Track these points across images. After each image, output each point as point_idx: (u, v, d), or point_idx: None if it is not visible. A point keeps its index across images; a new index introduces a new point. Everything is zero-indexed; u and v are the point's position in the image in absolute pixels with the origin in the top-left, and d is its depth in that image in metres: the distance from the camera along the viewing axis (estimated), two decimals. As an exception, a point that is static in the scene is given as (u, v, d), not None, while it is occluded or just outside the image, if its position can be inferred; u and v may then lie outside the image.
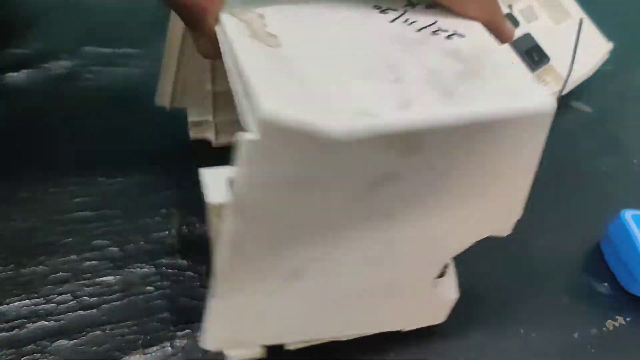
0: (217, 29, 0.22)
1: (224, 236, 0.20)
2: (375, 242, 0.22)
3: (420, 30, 0.23)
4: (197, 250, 0.32)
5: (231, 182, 0.19)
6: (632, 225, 0.33)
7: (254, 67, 0.19)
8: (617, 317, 0.32)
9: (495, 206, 0.23)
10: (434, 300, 0.27)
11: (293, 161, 0.18)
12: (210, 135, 0.37)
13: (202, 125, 0.37)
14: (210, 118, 0.37)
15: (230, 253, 0.20)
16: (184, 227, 0.33)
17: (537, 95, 0.20)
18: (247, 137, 0.17)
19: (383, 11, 0.24)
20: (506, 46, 0.23)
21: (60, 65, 0.43)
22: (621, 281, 0.33)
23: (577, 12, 0.47)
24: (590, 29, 0.47)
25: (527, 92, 0.20)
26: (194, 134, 0.37)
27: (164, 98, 0.35)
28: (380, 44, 0.22)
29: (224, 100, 0.35)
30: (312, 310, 0.24)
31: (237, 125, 0.37)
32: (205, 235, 0.33)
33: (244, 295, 0.22)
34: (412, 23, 0.23)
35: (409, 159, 0.19)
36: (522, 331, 0.30)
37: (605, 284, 0.33)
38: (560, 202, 0.28)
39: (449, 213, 0.22)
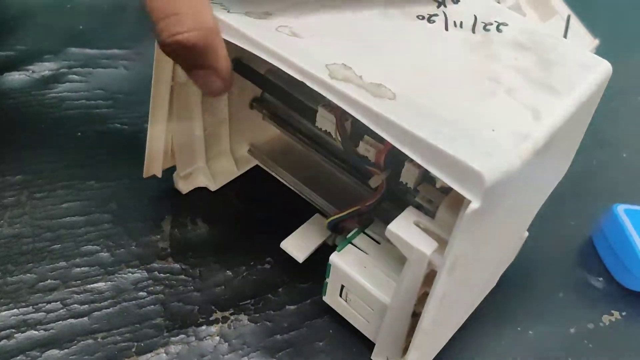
0: (326, 92, 0.21)
1: (436, 293, 0.21)
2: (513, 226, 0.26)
3: (474, 31, 0.24)
4: (189, 254, 0.31)
5: (420, 223, 0.22)
6: (625, 220, 0.33)
7: (427, 134, 0.19)
8: (612, 311, 0.32)
9: (566, 160, 0.27)
10: (518, 245, 0.31)
11: (498, 207, 0.20)
12: (205, 181, 0.35)
13: (191, 175, 0.34)
14: (202, 164, 0.34)
15: (439, 305, 0.22)
16: (176, 230, 0.33)
17: (600, 64, 0.23)
18: (472, 207, 0.19)
19: (429, 20, 0.24)
20: (535, 22, 0.26)
21: (45, 67, 0.42)
22: (615, 275, 0.33)
23: (564, 9, 0.47)
24: (576, 26, 0.47)
25: (592, 63, 0.23)
26: (186, 186, 0.34)
27: (155, 167, 0.32)
28: (462, 58, 0.23)
29: (212, 140, 0.34)
30: (465, 305, 0.28)
31: (226, 159, 0.34)
32: (196, 239, 0.32)
33: (437, 331, 0.24)
34: (461, 24, 0.24)
35: (544, 155, 0.21)
36: (519, 329, 0.30)
37: (600, 279, 0.33)
38: (552, 196, 0.28)
39: (551, 175, 0.26)
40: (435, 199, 0.24)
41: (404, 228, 0.22)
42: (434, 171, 0.19)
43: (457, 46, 0.23)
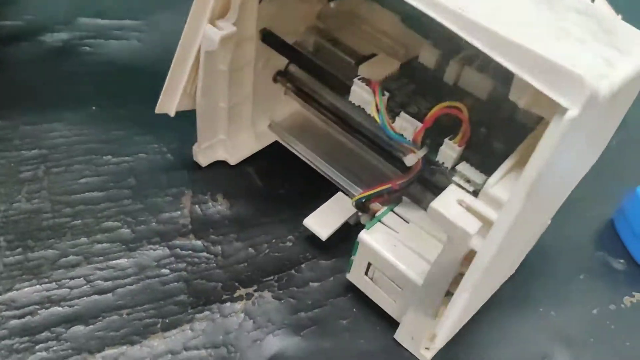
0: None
1: (498, 229, 0.20)
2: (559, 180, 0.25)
3: None
4: (210, 230, 0.31)
5: (463, 202, 0.21)
6: (649, 202, 0.33)
7: (522, 40, 0.19)
8: (634, 293, 0.32)
9: (606, 139, 0.26)
10: (543, 227, 0.30)
11: (584, 125, 0.19)
12: (225, 155, 0.34)
13: (212, 148, 0.34)
14: (223, 136, 0.33)
15: (498, 250, 0.21)
16: (196, 206, 0.32)
17: None
18: (570, 115, 0.18)
19: None
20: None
21: (56, 38, 0.41)
22: (636, 257, 0.33)
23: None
24: (600, 1, 0.46)
25: None
26: (205, 159, 0.34)
27: (168, 105, 0.31)
28: (527, 9, 0.22)
29: (234, 113, 0.33)
30: (501, 271, 0.27)
31: (247, 134, 0.34)
32: (217, 215, 0.32)
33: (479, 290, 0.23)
34: None
35: (611, 106, 0.21)
36: (541, 310, 0.30)
37: (621, 261, 0.33)
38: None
39: (591, 149, 0.25)
40: (475, 178, 0.24)
41: (447, 206, 0.21)
42: (529, 78, 0.18)
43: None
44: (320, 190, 0.33)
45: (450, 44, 0.29)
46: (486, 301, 0.29)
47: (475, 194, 0.23)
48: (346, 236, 0.31)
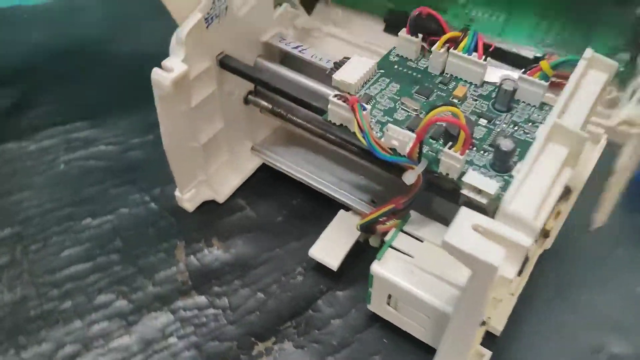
0: None
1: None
2: None
3: None
4: (212, 282, 0.28)
5: (479, 227, 0.18)
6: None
7: None
8: (678, 257, 0.29)
9: None
10: None
11: None
12: (211, 194, 0.31)
13: (195, 191, 0.31)
14: (204, 177, 0.30)
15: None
16: (191, 257, 0.30)
17: None
18: None
19: None
20: None
21: (9, 92, 0.38)
22: (673, 214, 0.31)
23: None
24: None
25: None
26: (191, 204, 0.31)
27: None
28: None
29: (210, 149, 0.30)
30: None
31: (229, 166, 0.31)
32: (216, 262, 0.29)
33: None
34: None
35: None
36: (583, 298, 0.28)
37: (658, 222, 0.31)
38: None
39: None
40: (486, 188, 0.21)
41: (463, 237, 0.18)
42: None
43: None
44: (320, 208, 0.30)
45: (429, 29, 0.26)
46: (528, 290, 0.27)
47: (490, 204, 0.21)
48: (359, 256, 0.28)
